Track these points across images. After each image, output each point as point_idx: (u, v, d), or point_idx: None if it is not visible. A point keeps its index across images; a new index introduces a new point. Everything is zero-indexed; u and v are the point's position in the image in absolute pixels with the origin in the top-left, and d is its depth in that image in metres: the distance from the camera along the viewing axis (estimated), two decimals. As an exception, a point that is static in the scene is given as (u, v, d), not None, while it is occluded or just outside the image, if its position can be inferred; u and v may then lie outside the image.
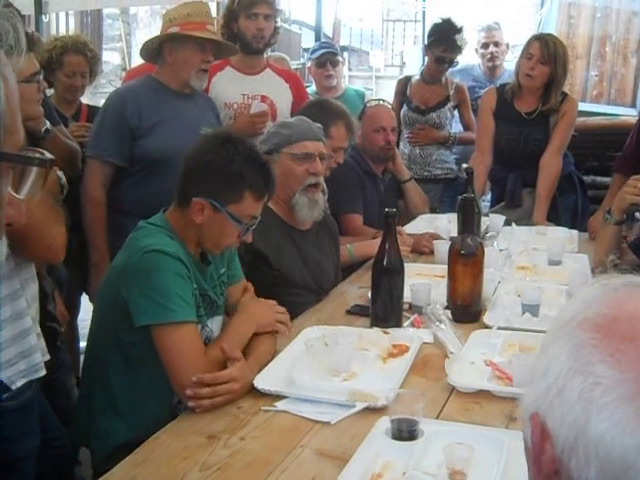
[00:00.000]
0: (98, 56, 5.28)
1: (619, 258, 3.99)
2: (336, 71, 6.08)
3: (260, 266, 3.47)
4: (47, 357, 2.63)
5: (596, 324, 0.96)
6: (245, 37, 4.82)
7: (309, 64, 6.27)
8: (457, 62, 5.94)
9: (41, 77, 3.19)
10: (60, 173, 2.92)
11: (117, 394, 2.69)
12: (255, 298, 3.04)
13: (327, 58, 6.00)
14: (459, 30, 5.78)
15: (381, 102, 5.21)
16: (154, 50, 4.32)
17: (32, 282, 2.61)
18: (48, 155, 1.60)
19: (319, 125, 3.74)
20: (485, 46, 6.43)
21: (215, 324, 2.90)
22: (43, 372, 2.60)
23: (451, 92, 5.85)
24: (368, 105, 5.19)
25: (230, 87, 4.86)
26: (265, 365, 2.73)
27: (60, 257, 2.72)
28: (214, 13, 14.00)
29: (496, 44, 6.42)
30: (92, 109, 5.06)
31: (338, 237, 4.01)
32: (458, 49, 5.74)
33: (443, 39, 5.82)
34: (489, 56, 6.43)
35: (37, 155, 1.39)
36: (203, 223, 2.72)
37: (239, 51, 4.78)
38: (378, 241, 3.70)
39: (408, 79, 6.09)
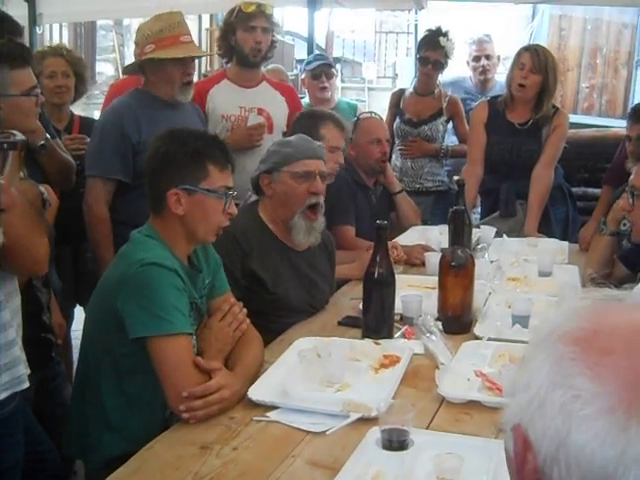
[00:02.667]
0: (80, 60, 5.25)
1: (610, 271, 4.04)
2: (330, 83, 6.09)
3: (257, 290, 3.44)
4: (29, 371, 2.64)
5: (575, 338, 0.99)
6: (242, 50, 4.85)
7: (303, 75, 6.28)
8: (442, 65, 5.85)
9: (39, 91, 3.22)
10: (42, 188, 2.93)
11: (109, 407, 2.69)
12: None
13: (322, 70, 6.01)
14: (443, 33, 5.80)
15: (373, 114, 5.23)
16: (136, 67, 4.36)
17: (15, 295, 2.62)
18: (19, 137, 1.62)
19: (319, 143, 3.71)
20: (477, 59, 6.43)
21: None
22: (27, 384, 2.59)
23: (444, 105, 5.86)
24: (361, 117, 5.20)
25: (227, 99, 4.88)
26: (253, 374, 2.75)
27: (44, 269, 2.74)
28: (206, 24, 14.05)
29: (487, 57, 6.42)
30: (85, 120, 5.06)
31: (335, 255, 3.95)
32: (441, 49, 5.70)
33: (425, 40, 5.92)
34: (481, 69, 6.43)
35: (5, 140, 1.41)
36: (185, 213, 2.75)
37: (235, 63, 4.82)
38: (359, 264, 3.75)
39: (402, 92, 6.10)
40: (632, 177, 3.56)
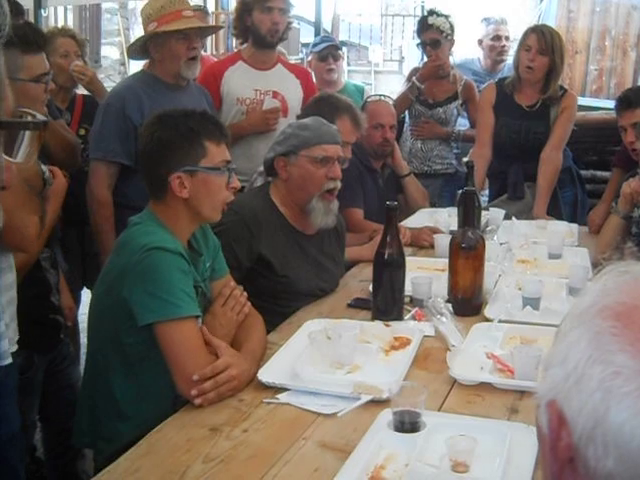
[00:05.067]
0: (86, 43, 5.26)
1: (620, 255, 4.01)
2: (337, 65, 6.08)
3: (263, 272, 3.42)
4: (14, 347, 2.61)
5: (616, 312, 0.96)
6: (259, 31, 4.81)
7: (310, 57, 6.25)
8: (439, 42, 5.76)
9: (50, 78, 3.19)
10: (45, 168, 2.91)
11: (119, 397, 2.68)
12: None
13: (329, 52, 5.98)
14: (431, 12, 5.77)
15: (382, 98, 5.20)
16: (140, 48, 4.33)
17: (8, 271, 2.61)
18: (41, 117, 1.60)
19: (336, 127, 3.69)
20: (497, 38, 6.37)
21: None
22: (9, 360, 2.56)
23: (459, 89, 5.82)
24: (369, 100, 5.19)
25: (242, 82, 4.85)
26: (260, 355, 2.76)
27: (31, 247, 2.73)
28: (212, 8, 14.00)
29: (507, 38, 6.39)
30: (88, 99, 5.02)
31: (345, 237, 3.95)
32: (431, 28, 5.65)
33: (417, 26, 5.91)
34: (500, 49, 6.39)
35: (30, 119, 1.39)
36: (190, 195, 2.73)
37: (251, 45, 4.80)
38: (370, 246, 3.72)
39: (417, 70, 6.04)
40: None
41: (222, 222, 2.97)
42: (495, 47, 6.39)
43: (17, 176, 1.24)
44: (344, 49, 11.47)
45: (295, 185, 3.51)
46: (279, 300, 3.43)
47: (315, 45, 6.18)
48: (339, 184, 3.57)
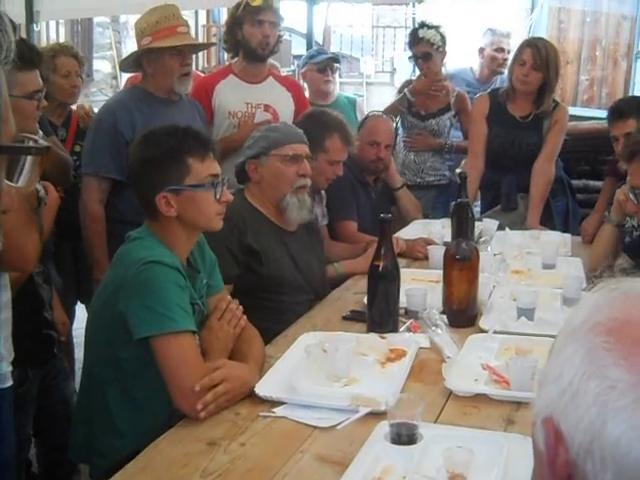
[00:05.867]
0: (85, 61, 5.27)
1: (613, 263, 4.02)
2: (334, 78, 6.13)
3: (254, 266, 3.51)
4: (10, 368, 2.61)
5: (608, 328, 0.97)
6: (250, 44, 4.81)
7: (305, 69, 6.26)
8: (431, 55, 5.77)
9: (42, 95, 3.20)
10: (39, 185, 2.91)
11: (115, 412, 2.67)
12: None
13: (327, 64, 6.02)
14: (422, 25, 5.78)
15: (384, 116, 5.22)
16: (133, 62, 4.34)
17: (4, 290, 2.61)
18: (43, 142, 1.60)
19: (301, 130, 3.80)
20: (500, 50, 6.37)
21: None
22: (9, 383, 2.57)
23: (452, 100, 5.82)
24: (370, 115, 5.23)
25: (233, 96, 4.85)
26: (262, 366, 2.76)
27: (31, 267, 2.73)
28: (203, 21, 14.03)
29: (509, 52, 6.37)
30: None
31: (322, 237, 4.08)
32: (422, 41, 5.67)
33: (408, 40, 5.93)
34: (501, 62, 6.38)
35: (32, 144, 1.39)
36: (179, 213, 2.73)
37: (242, 58, 4.81)
38: (364, 259, 3.75)
39: (411, 82, 6.05)
40: (629, 178, 3.52)
41: None
42: (496, 58, 6.38)
43: (18, 199, 1.24)
44: (336, 61, 11.49)
45: (268, 185, 3.63)
46: (269, 294, 3.51)
47: (312, 57, 6.20)
48: (309, 181, 3.70)
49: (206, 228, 2.87)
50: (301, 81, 6.38)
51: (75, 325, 4.81)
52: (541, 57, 4.99)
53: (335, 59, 6.20)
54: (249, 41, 4.81)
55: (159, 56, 4.19)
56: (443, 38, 5.69)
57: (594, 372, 0.94)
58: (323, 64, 6.01)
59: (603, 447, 0.91)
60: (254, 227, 3.56)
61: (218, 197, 2.80)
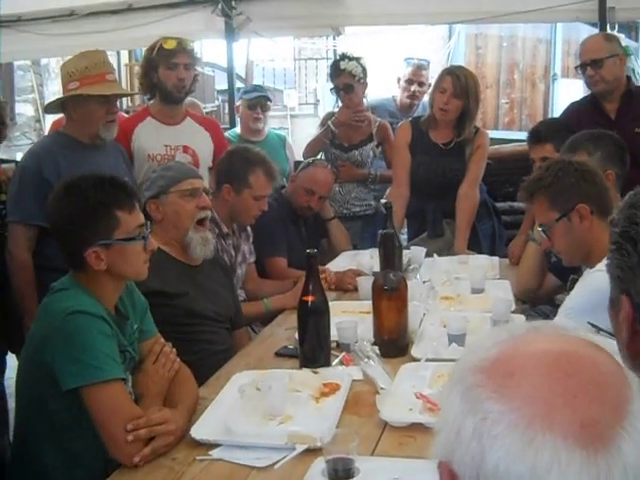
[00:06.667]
0: (6, 106, 5.20)
1: (540, 282, 4.08)
2: (265, 116, 6.17)
3: (161, 303, 3.45)
4: None
5: (480, 367, 1.03)
6: (165, 87, 4.82)
7: (238, 103, 6.30)
8: (352, 86, 5.80)
9: None
10: None
11: (49, 464, 2.64)
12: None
13: (259, 102, 6.08)
14: (343, 57, 5.84)
15: (329, 167, 5.27)
16: (58, 105, 4.31)
17: None
18: None
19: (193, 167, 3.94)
20: (409, 82, 6.39)
21: (128, 379, 2.82)
22: None
23: (374, 130, 5.87)
24: (316, 162, 5.31)
25: (152, 138, 4.85)
26: (193, 412, 2.74)
27: None
28: (125, 60, 13.98)
29: (420, 84, 6.37)
30: (6, 163, 4.98)
31: (230, 271, 4.12)
32: (343, 72, 5.72)
33: (329, 71, 6.00)
34: (410, 94, 6.43)
35: None
36: (109, 266, 2.71)
37: (158, 100, 4.81)
38: (293, 293, 3.84)
39: (332, 114, 6.08)
40: (535, 217, 3.58)
41: None
42: (406, 89, 6.43)
43: None
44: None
45: (170, 222, 3.68)
46: (182, 326, 3.50)
47: (246, 92, 6.25)
48: (209, 213, 3.78)
49: (134, 278, 2.87)
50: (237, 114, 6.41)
51: (8, 374, 4.74)
52: (461, 85, 5.06)
53: (267, 97, 6.24)
54: (164, 84, 4.82)
55: (86, 103, 4.16)
56: (364, 69, 5.75)
57: (470, 409, 1.00)
58: (254, 101, 6.06)
59: (487, 476, 0.97)
60: (156, 269, 3.41)
61: (146, 247, 2.81)
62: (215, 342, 3.62)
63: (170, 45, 4.78)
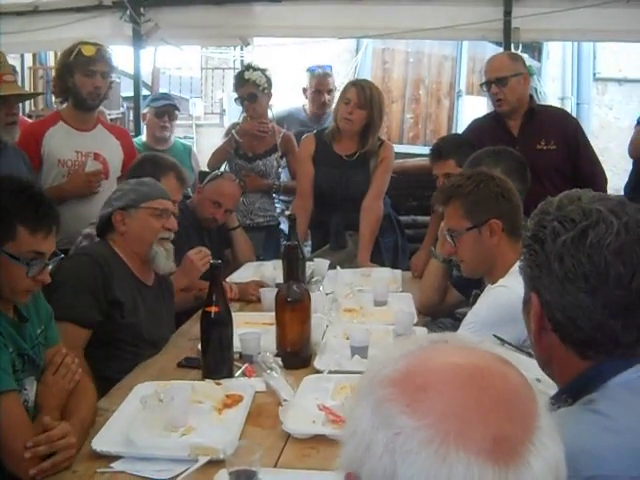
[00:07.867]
0: None
1: (443, 297, 4.13)
2: (172, 125, 6.19)
3: (115, 316, 3.46)
4: None
5: (392, 380, 1.04)
6: (80, 93, 4.78)
7: (145, 110, 6.25)
8: (256, 96, 5.82)
9: None
10: None
11: None
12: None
13: (166, 110, 6.09)
14: (247, 67, 5.90)
15: (237, 181, 5.26)
16: None
17: None
18: None
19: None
20: (318, 92, 6.41)
21: (30, 384, 2.76)
22: None
23: (278, 141, 5.89)
24: (224, 175, 5.29)
25: (63, 143, 4.80)
26: (88, 425, 2.70)
27: None
28: (30, 63, 13.74)
29: (329, 91, 6.43)
30: None
31: (174, 292, 4.05)
32: (247, 82, 5.76)
33: (234, 82, 6.02)
34: (321, 104, 6.45)
35: None
36: None
37: (71, 106, 4.75)
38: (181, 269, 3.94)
39: (236, 125, 6.08)
40: (445, 220, 3.60)
41: (73, 265, 3.17)
42: (315, 100, 6.46)
43: None
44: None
45: (134, 237, 3.65)
46: (126, 345, 3.49)
47: (154, 100, 6.23)
48: (172, 235, 3.76)
49: (9, 299, 2.71)
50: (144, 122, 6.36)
51: None
52: (365, 96, 5.11)
53: (175, 106, 6.24)
54: (79, 90, 4.77)
55: None
56: (269, 80, 5.78)
57: (382, 422, 1.01)
58: (161, 109, 6.05)
59: None
60: (119, 276, 3.54)
61: (31, 275, 2.66)
62: None
63: (89, 52, 4.73)
